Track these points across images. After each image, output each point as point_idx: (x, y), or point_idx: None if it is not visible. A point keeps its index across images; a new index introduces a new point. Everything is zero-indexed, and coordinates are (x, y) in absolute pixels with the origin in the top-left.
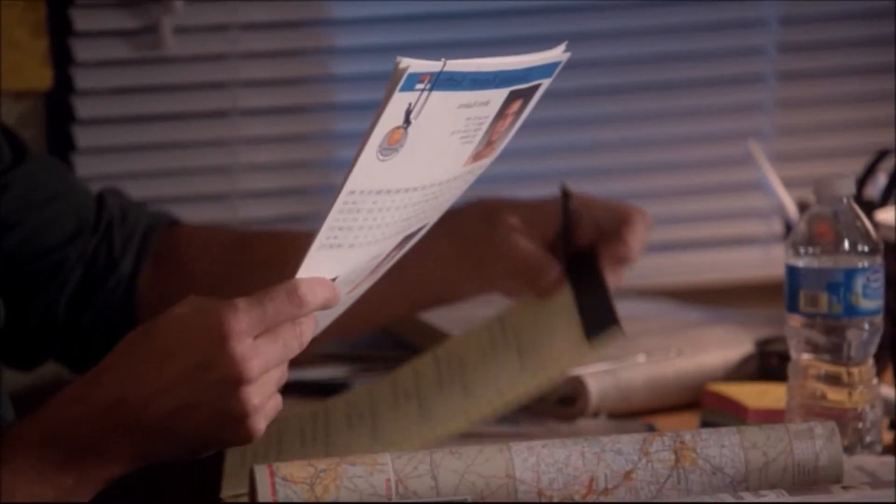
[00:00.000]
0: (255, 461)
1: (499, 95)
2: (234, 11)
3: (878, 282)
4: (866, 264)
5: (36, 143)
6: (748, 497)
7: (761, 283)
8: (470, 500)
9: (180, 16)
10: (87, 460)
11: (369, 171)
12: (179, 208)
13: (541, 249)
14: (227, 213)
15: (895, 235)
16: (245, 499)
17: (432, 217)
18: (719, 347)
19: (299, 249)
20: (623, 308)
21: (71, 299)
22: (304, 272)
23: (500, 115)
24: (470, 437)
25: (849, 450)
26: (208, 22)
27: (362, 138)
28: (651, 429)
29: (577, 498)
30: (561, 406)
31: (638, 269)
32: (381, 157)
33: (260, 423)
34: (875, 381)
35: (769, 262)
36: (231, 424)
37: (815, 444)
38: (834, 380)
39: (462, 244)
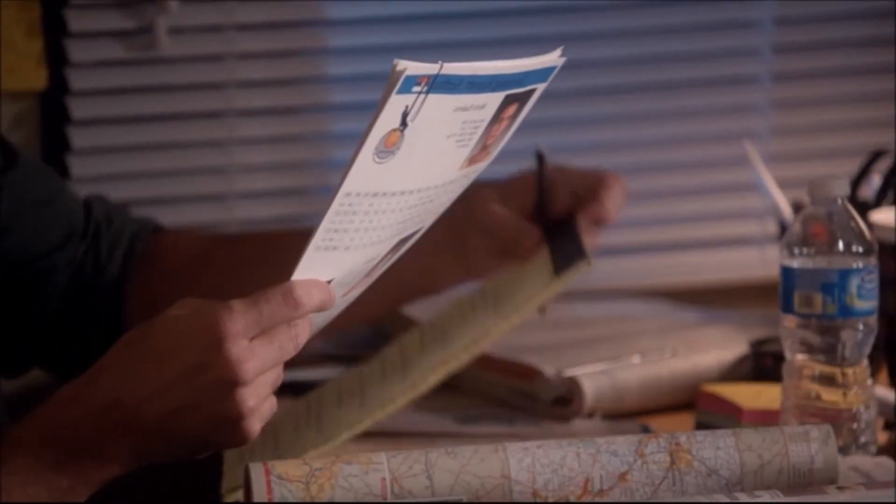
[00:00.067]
0: (253, 453)
1: (495, 99)
2: (229, 12)
3: (872, 282)
4: (861, 265)
5: (31, 144)
6: (743, 497)
7: (756, 283)
8: (465, 500)
9: (175, 16)
10: (83, 461)
11: (366, 173)
12: (175, 209)
13: (519, 217)
14: (222, 214)
15: (889, 236)
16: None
17: (427, 221)
18: (714, 348)
19: (284, 249)
20: (619, 308)
21: (59, 305)
22: (299, 274)
23: (496, 119)
24: (466, 438)
25: (843, 450)
26: (203, 22)
27: (359, 140)
28: (646, 429)
29: (572, 499)
30: (556, 406)
31: (634, 269)
32: (377, 160)
33: (255, 425)
34: (869, 381)
35: (764, 263)
36: (226, 426)
37: (810, 447)
38: (828, 380)
39: (440, 228)
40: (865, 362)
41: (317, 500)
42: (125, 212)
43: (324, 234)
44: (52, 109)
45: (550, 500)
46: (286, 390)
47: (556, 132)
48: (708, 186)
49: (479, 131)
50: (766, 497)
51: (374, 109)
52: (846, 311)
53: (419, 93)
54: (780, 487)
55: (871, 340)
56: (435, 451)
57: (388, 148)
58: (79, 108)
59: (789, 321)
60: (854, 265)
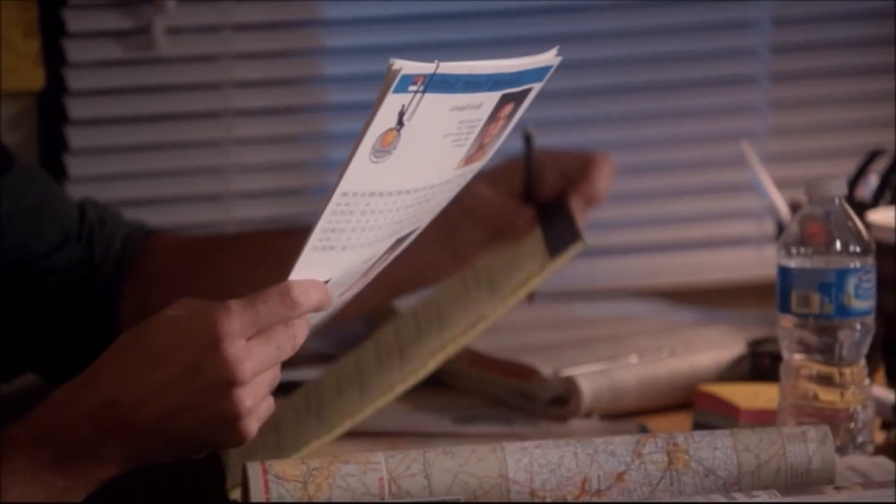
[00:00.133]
0: (255, 447)
1: (491, 98)
2: (226, 12)
3: (869, 282)
4: (858, 265)
5: (28, 144)
6: (740, 498)
7: (753, 283)
8: (463, 499)
9: (172, 16)
10: (80, 461)
11: (362, 172)
12: (172, 209)
13: (509, 199)
14: (219, 214)
15: (887, 236)
16: None
17: (424, 220)
18: (711, 348)
19: (277, 249)
20: (616, 308)
21: (53, 308)
22: (296, 274)
23: (492, 118)
24: (463, 438)
25: (841, 450)
26: (200, 22)
27: (355, 140)
28: (644, 429)
29: (570, 499)
30: (554, 406)
31: (632, 269)
32: (374, 159)
33: (252, 425)
34: (867, 381)
35: (761, 263)
36: (223, 426)
37: (808, 447)
38: (826, 380)
39: (431, 222)
40: (863, 362)
41: (314, 500)
42: (117, 215)
43: (321, 234)
44: (49, 109)
45: (548, 500)
46: (284, 390)
47: (552, 132)
48: (705, 186)
49: (476, 131)
50: (763, 497)
51: (371, 109)
52: (843, 311)
53: (415, 92)
54: (777, 488)
55: (868, 340)
56: (433, 451)
57: (384, 147)
58: (76, 108)
59: (787, 321)
60: (851, 265)
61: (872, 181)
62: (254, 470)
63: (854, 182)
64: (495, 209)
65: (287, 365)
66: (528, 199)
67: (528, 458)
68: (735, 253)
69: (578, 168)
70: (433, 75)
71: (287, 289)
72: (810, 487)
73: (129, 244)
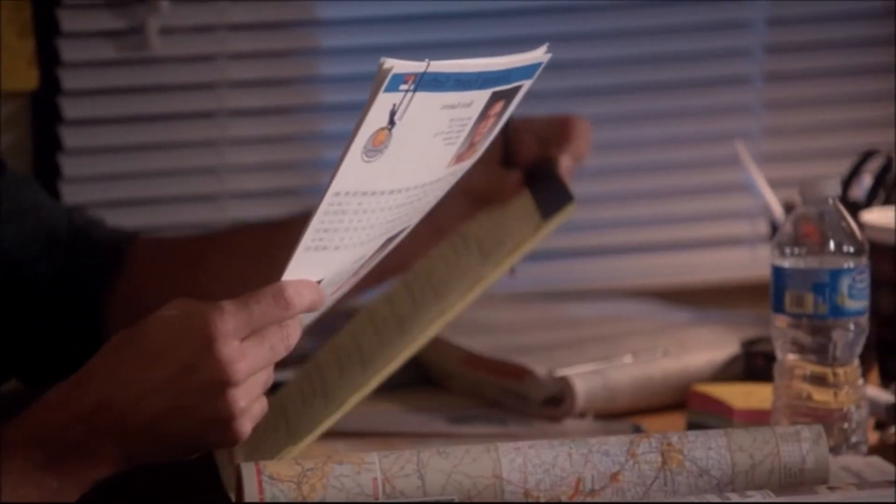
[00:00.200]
0: (266, 431)
1: (482, 97)
2: (221, 12)
3: (863, 282)
4: (852, 265)
5: (22, 144)
6: (734, 497)
7: (747, 283)
8: (457, 500)
9: (166, 16)
10: (73, 462)
11: (354, 172)
12: (167, 209)
13: (489, 166)
14: (214, 215)
15: (880, 236)
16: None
17: (414, 219)
18: (705, 348)
19: (260, 244)
20: (610, 308)
21: (40, 314)
22: (289, 274)
23: (483, 116)
24: (457, 438)
25: (834, 450)
26: (194, 22)
27: (347, 139)
28: (637, 429)
29: (564, 499)
30: (548, 406)
31: (626, 269)
32: (366, 159)
33: (246, 426)
34: (860, 381)
35: (755, 263)
36: (217, 427)
37: (801, 447)
38: (819, 380)
39: None
40: (856, 362)
41: (308, 501)
42: (102, 222)
43: (313, 234)
44: (44, 109)
45: (542, 500)
46: (276, 390)
47: None
48: (699, 186)
49: (467, 129)
50: (757, 497)
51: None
52: (837, 311)
53: (406, 91)
54: (771, 487)
55: (862, 340)
56: (427, 451)
57: (376, 147)
58: (71, 108)
59: (780, 321)
60: (845, 265)
61: (866, 181)
62: (248, 470)
63: (848, 182)
64: (480, 177)
65: (280, 365)
66: (507, 164)
67: (523, 458)
68: (729, 253)
69: (556, 131)
70: (424, 74)
71: (280, 289)
72: (804, 487)
73: (114, 249)
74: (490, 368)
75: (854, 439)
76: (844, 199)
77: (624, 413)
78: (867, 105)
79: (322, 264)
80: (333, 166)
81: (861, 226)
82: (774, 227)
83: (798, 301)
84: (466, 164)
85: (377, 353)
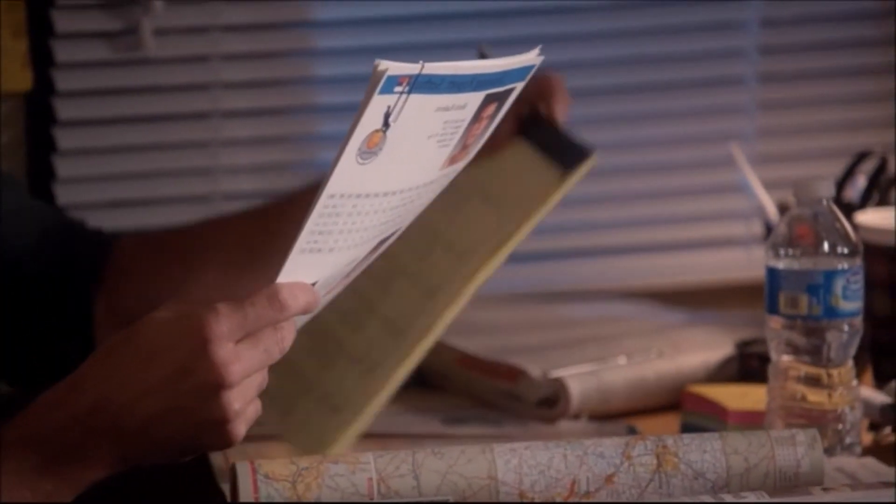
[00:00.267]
0: (308, 422)
1: (475, 99)
2: (215, 13)
3: (857, 283)
4: (846, 266)
5: (16, 145)
6: (728, 498)
7: (741, 284)
8: (452, 500)
9: (160, 17)
10: (67, 464)
11: (349, 174)
12: (161, 210)
13: None
14: (209, 215)
15: (874, 237)
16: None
17: (407, 221)
18: (699, 349)
19: (243, 233)
20: (605, 309)
21: (26, 316)
22: (284, 277)
23: (476, 118)
24: (453, 439)
25: (829, 451)
26: (189, 23)
27: (342, 141)
28: (632, 431)
29: (559, 500)
30: (542, 408)
31: (620, 270)
32: (360, 161)
33: (240, 428)
34: (855, 382)
35: (749, 264)
36: (211, 429)
37: (797, 451)
38: (814, 381)
39: None
40: (851, 363)
41: (303, 500)
42: (83, 224)
43: (308, 236)
44: (38, 110)
45: (537, 502)
46: None
47: None
48: (694, 187)
49: (460, 131)
50: (751, 498)
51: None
52: (831, 313)
53: (401, 93)
54: (766, 490)
55: (856, 341)
56: (422, 452)
57: (370, 149)
58: (65, 109)
59: (775, 322)
60: (839, 266)
61: (860, 182)
62: (243, 469)
63: (842, 183)
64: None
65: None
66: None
67: (518, 459)
68: (723, 254)
69: (538, 90)
70: (418, 76)
71: (275, 291)
72: (799, 490)
73: (99, 249)
74: (484, 369)
75: (848, 440)
76: (838, 200)
77: (618, 414)
78: (861, 106)
79: (316, 266)
80: (328, 168)
81: (855, 227)
82: (769, 228)
83: (792, 302)
84: (459, 165)
85: (400, 313)
